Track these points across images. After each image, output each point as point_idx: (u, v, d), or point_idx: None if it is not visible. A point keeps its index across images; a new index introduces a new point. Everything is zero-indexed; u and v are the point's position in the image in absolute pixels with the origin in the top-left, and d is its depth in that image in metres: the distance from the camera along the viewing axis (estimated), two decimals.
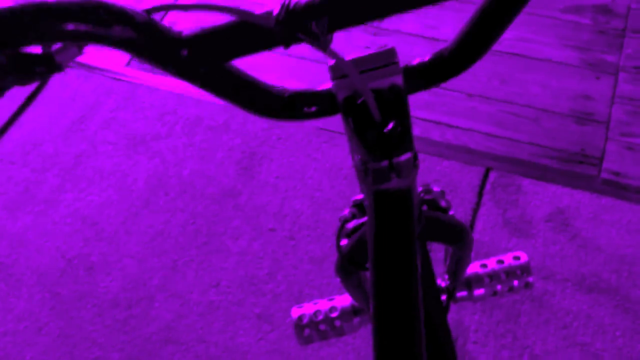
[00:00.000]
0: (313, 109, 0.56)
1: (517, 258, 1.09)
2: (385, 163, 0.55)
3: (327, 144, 1.72)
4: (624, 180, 1.68)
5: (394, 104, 0.54)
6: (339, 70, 0.54)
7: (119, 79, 1.93)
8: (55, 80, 1.93)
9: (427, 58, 0.57)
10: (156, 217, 1.61)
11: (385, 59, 0.54)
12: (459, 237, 0.83)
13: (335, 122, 1.79)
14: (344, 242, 0.81)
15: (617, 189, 1.66)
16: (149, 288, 1.50)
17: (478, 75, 1.93)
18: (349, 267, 0.84)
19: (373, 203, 0.61)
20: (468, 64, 0.56)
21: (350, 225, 0.80)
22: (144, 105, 1.85)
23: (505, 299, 1.43)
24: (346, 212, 0.83)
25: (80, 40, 0.45)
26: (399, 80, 0.54)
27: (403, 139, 0.54)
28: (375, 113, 0.53)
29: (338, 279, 1.44)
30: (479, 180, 1.64)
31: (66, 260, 1.56)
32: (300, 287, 1.48)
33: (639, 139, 1.77)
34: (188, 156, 1.73)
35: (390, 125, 0.54)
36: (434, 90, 1.88)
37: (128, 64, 2.00)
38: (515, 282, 1.07)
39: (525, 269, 1.07)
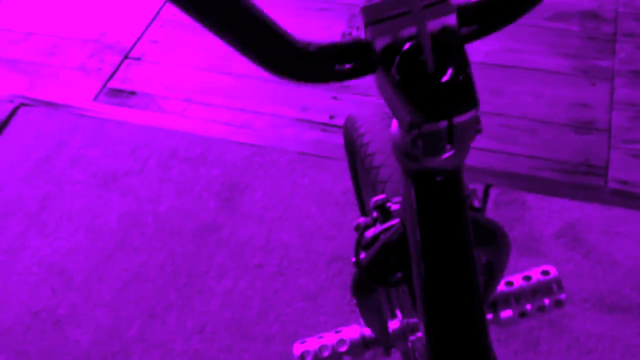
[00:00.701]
0: (347, 65, 0.44)
1: (546, 273, 0.96)
2: (443, 124, 0.43)
3: (314, 169, 1.59)
4: (634, 189, 1.57)
5: (450, 49, 0.42)
6: (376, 12, 0.42)
7: (86, 115, 1.80)
8: (17, 120, 1.80)
9: None
10: (131, 260, 1.47)
11: None
12: (496, 242, 0.71)
13: (320, 146, 1.67)
14: (363, 254, 0.68)
15: (627, 198, 1.55)
16: (126, 340, 1.35)
17: None
18: (369, 284, 0.71)
19: (418, 188, 0.49)
20: None
21: (370, 233, 0.68)
22: (114, 141, 1.72)
23: (521, 326, 1.30)
24: (361, 220, 0.70)
25: None
26: (452, 20, 0.43)
27: (465, 91, 0.42)
28: (429, 60, 0.42)
29: (338, 314, 1.30)
30: (480, 198, 1.52)
31: (32, 314, 1.40)
32: (294, 327, 1.33)
33: None
34: (164, 191, 1.59)
35: (449, 74, 0.42)
36: None
37: (95, 98, 1.88)
38: (546, 300, 0.95)
39: (556, 285, 0.95)
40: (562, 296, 0.99)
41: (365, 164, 0.92)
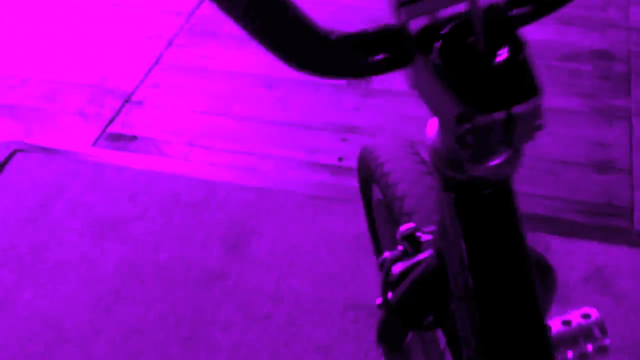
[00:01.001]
0: (380, 56, 0.37)
1: (586, 316, 0.87)
2: (500, 115, 0.36)
3: (324, 213, 1.51)
4: None
5: (502, 27, 0.36)
6: None
7: (84, 160, 1.72)
8: (12, 166, 1.72)
9: None
10: (130, 311, 1.37)
11: None
12: (542, 275, 0.63)
13: (330, 189, 1.59)
14: (390, 294, 0.60)
15: None
16: None
17: None
18: (399, 329, 0.62)
19: (463, 206, 0.42)
20: None
21: (398, 269, 0.59)
22: (113, 186, 1.64)
23: None
24: (387, 254, 0.62)
25: None
26: None
27: (525, 75, 0.36)
28: (480, 38, 0.35)
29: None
30: None
31: None
32: None
33: None
34: (165, 238, 1.50)
35: (504, 54, 0.35)
36: None
37: (94, 143, 1.81)
38: (589, 347, 0.85)
39: (599, 329, 0.85)
40: (607, 341, 0.90)
41: (387, 195, 0.84)
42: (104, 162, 1.72)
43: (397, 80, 1.92)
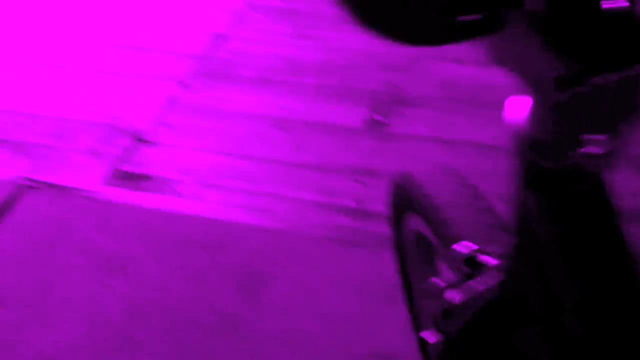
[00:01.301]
0: (469, 17, 0.32)
1: None
2: (613, 77, 0.31)
3: (342, 257, 1.45)
4: None
5: None
6: None
7: (94, 198, 1.67)
8: (22, 203, 1.67)
9: None
10: (138, 355, 1.30)
11: None
12: None
13: (348, 233, 1.54)
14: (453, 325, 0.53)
15: None
16: None
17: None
18: None
19: (556, 205, 0.36)
20: None
21: (455, 296, 0.53)
22: (124, 225, 1.59)
23: None
24: (439, 280, 0.55)
25: None
26: None
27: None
28: None
29: None
30: None
31: None
32: None
33: None
34: (176, 280, 1.44)
35: (620, 3, 0.30)
36: None
37: (105, 182, 1.75)
38: None
39: None
40: None
41: (432, 221, 0.78)
42: (115, 200, 1.67)
43: (415, 124, 1.88)
